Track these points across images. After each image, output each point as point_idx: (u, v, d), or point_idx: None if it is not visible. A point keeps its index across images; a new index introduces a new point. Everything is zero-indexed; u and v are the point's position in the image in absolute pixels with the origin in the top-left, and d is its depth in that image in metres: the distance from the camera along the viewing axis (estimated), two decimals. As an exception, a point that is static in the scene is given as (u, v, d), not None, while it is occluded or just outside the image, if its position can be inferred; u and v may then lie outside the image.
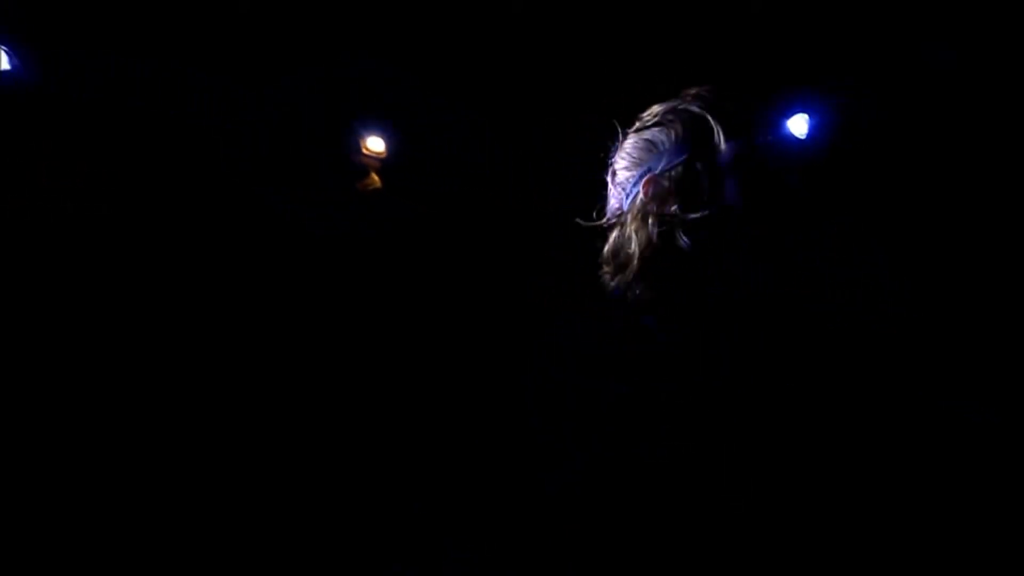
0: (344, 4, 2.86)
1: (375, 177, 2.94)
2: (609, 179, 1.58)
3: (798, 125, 2.95)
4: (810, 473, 1.31)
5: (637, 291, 1.43)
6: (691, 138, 1.43)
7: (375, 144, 2.91)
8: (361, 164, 2.93)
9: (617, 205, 1.55)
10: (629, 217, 1.48)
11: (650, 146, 1.48)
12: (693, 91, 1.49)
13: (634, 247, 1.44)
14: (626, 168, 1.52)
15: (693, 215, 1.38)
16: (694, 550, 1.27)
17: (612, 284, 1.49)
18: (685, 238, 1.39)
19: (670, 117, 1.47)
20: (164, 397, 2.68)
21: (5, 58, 2.53)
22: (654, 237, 1.41)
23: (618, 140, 1.59)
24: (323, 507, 2.67)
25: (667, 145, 1.45)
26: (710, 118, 1.43)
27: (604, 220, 1.58)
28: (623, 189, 1.52)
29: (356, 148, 2.87)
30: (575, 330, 1.48)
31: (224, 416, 2.72)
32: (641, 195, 1.45)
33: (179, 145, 2.83)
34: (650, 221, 1.43)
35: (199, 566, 2.55)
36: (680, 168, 1.42)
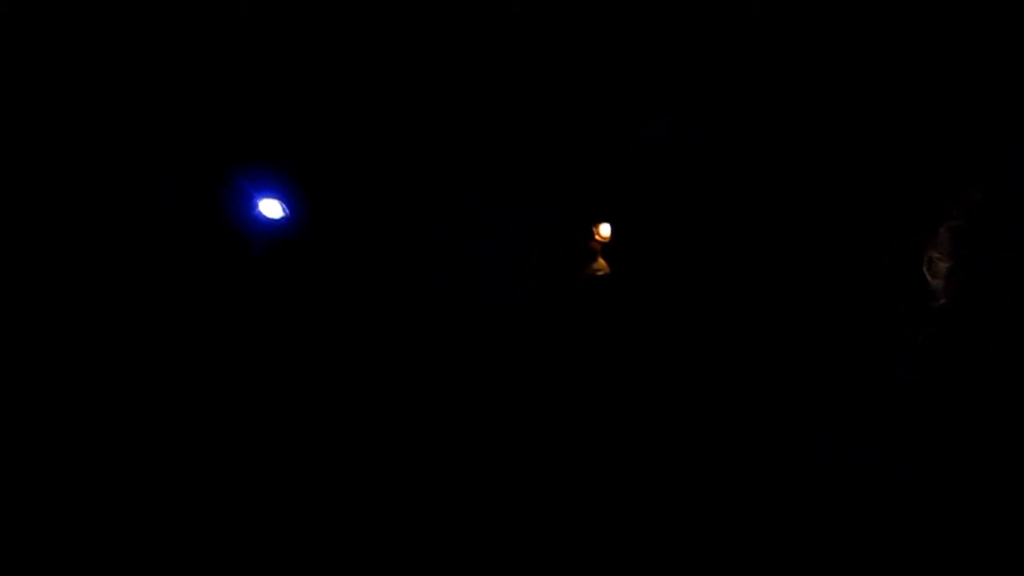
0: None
1: (602, 261, 3.02)
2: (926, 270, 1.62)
3: None
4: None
5: None
6: None
7: (606, 230, 2.99)
8: (592, 250, 3.02)
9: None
10: None
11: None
12: None
13: None
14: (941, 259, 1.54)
15: None
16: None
17: None
18: None
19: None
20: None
21: (279, 207, 2.71)
22: None
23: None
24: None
25: None
26: None
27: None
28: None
29: (589, 234, 2.97)
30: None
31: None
32: None
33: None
34: None
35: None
36: None
